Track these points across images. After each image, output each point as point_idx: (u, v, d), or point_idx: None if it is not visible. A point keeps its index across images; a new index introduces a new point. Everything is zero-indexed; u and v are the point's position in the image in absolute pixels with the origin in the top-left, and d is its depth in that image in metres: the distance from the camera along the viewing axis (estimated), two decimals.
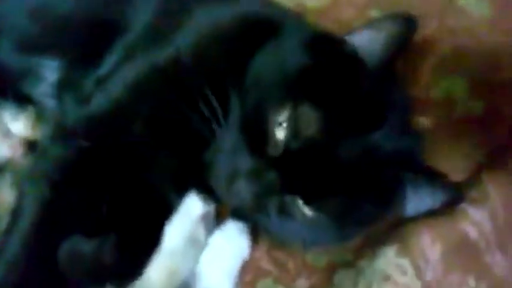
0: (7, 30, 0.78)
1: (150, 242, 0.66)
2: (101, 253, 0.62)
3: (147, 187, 0.68)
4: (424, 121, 0.75)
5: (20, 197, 0.65)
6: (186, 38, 0.71)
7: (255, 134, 0.63)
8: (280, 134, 0.62)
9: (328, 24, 0.84)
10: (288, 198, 0.62)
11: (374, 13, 0.88)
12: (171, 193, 0.69)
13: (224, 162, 0.64)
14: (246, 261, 0.66)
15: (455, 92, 0.77)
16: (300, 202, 0.62)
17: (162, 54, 0.70)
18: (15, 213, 0.64)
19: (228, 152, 0.64)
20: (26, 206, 0.63)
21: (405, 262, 0.64)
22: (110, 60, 0.74)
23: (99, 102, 0.69)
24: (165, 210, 0.68)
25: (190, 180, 0.69)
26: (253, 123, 0.64)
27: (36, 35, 0.78)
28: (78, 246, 0.60)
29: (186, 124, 0.67)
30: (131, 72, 0.70)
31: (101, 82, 0.72)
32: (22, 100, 0.76)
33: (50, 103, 0.76)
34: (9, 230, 0.63)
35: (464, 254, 0.64)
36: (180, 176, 0.69)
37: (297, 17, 0.78)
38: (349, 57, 0.65)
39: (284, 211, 0.63)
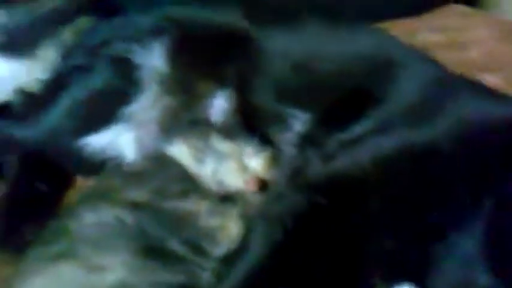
0: (270, 76, 0.84)
1: None
2: None
3: (356, 263, 0.66)
4: None
5: (249, 232, 0.67)
6: (447, 126, 0.69)
7: (499, 254, 0.60)
8: None
9: None
10: None
11: None
12: (379, 276, 0.66)
13: (455, 269, 0.62)
14: None
15: None
16: None
17: (419, 137, 0.69)
18: (243, 246, 0.66)
19: (461, 259, 0.62)
20: (255, 242, 0.65)
21: None
22: (358, 127, 0.75)
23: (342, 164, 0.70)
24: None
25: (404, 269, 0.66)
26: (499, 242, 0.61)
27: (295, 86, 0.83)
28: None
29: (422, 211, 0.65)
30: (382, 144, 0.70)
31: (345, 145, 0.73)
32: (264, 141, 0.81)
33: (288, 150, 0.79)
34: (233, 260, 0.65)
35: None
36: (395, 262, 0.66)
37: None
38: None
39: None
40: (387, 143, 0.70)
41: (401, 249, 0.65)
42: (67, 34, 1.03)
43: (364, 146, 0.71)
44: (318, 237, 0.64)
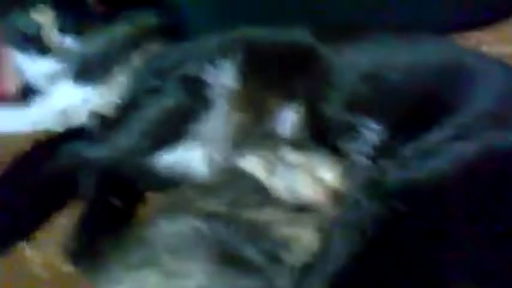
0: (340, 88, 0.83)
1: None
2: None
3: (439, 273, 0.63)
4: None
5: (328, 240, 0.66)
6: None
7: None
8: None
9: None
10: None
11: None
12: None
13: None
14: None
15: None
16: None
17: (501, 141, 0.67)
18: (322, 253, 0.65)
19: None
20: (335, 250, 0.64)
21: None
22: (433, 136, 0.73)
23: (421, 171, 0.69)
24: None
25: (492, 283, 0.62)
26: None
27: (365, 97, 0.82)
28: None
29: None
30: (462, 150, 0.68)
31: (421, 153, 0.72)
32: (336, 152, 0.80)
33: (361, 161, 0.78)
34: (313, 267, 0.64)
35: None
36: (481, 274, 0.63)
37: None
38: None
39: None
40: (467, 149, 0.68)
41: (490, 261, 0.62)
42: (138, 59, 1.07)
43: (443, 152, 0.69)
44: (400, 245, 0.62)
